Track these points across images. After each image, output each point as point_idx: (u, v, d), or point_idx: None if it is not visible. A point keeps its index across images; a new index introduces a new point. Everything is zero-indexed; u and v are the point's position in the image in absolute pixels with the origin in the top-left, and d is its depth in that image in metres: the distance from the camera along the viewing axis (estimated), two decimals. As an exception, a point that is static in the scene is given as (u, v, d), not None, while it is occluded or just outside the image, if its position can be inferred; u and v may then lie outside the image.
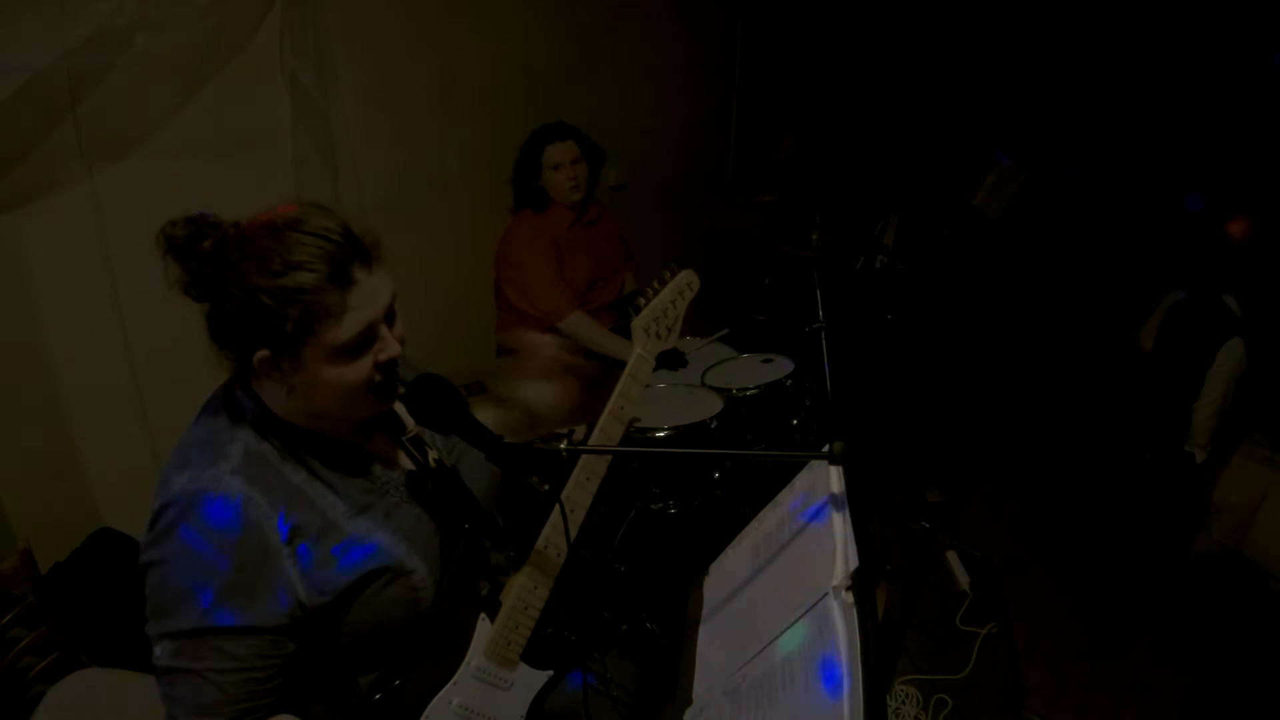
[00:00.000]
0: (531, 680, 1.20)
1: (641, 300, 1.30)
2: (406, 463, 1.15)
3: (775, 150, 3.82)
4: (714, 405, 2.11)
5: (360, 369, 0.98)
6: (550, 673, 1.22)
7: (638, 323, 1.28)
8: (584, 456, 1.19)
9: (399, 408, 1.13)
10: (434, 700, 1.08)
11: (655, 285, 1.32)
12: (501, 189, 2.74)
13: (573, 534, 1.16)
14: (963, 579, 1.85)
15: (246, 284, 0.91)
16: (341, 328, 0.94)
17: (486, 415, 1.38)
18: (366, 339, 0.98)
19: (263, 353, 0.94)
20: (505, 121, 2.81)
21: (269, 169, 2.19)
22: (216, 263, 0.94)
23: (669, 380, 2.40)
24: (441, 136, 2.67)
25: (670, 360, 2.52)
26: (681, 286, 1.35)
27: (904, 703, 1.48)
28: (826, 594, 0.90)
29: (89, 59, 1.70)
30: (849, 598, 0.87)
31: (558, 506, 1.14)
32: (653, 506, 2.04)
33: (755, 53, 4.28)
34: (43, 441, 1.91)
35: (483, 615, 1.14)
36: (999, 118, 3.94)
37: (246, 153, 2.12)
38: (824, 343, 1.90)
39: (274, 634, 0.95)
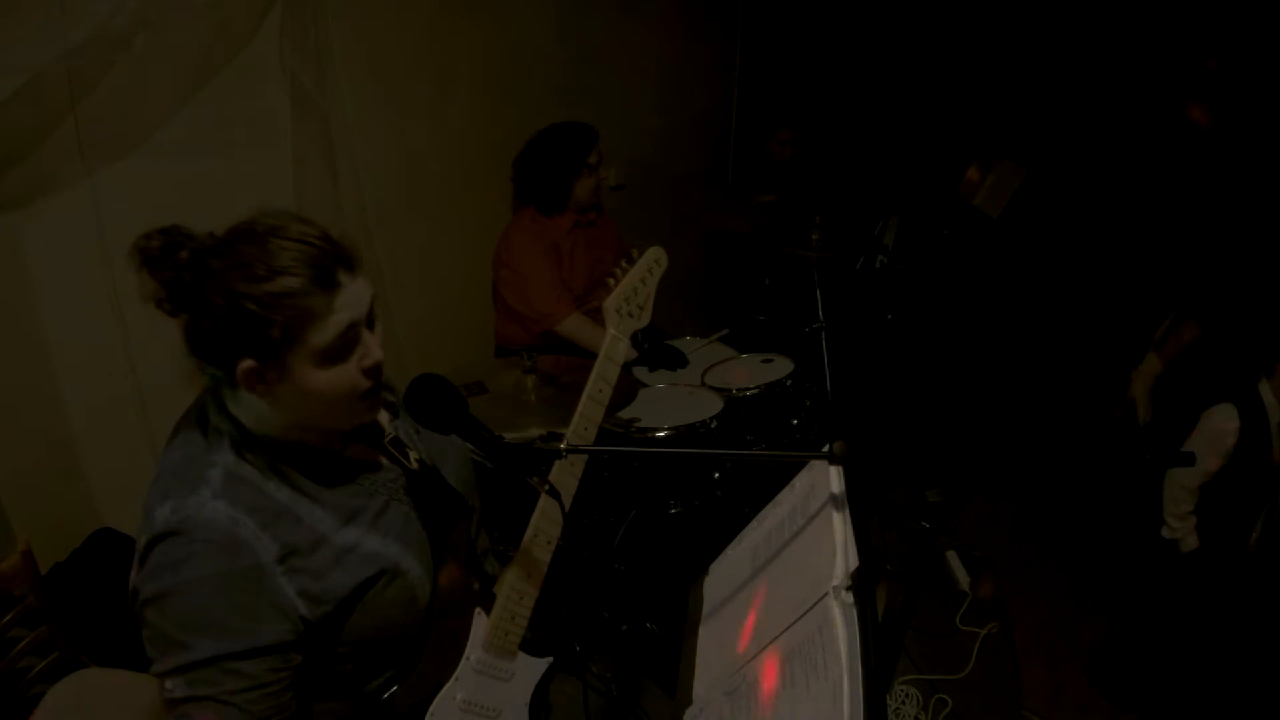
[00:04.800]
0: (532, 669, 1.21)
1: (611, 281, 1.30)
2: (388, 464, 1.15)
3: (766, 149, 3.82)
4: (714, 405, 2.11)
5: (347, 374, 0.98)
6: (550, 659, 1.23)
7: (609, 304, 1.28)
8: (566, 436, 1.18)
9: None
10: (438, 697, 1.08)
11: (624, 265, 1.33)
12: (502, 188, 2.74)
13: (562, 520, 1.16)
14: (963, 579, 1.84)
15: (230, 291, 0.90)
16: (327, 330, 0.94)
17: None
18: (349, 341, 0.97)
19: (247, 363, 0.93)
20: (505, 122, 2.81)
21: (269, 169, 2.18)
22: (195, 272, 0.92)
23: (669, 380, 2.40)
24: (441, 136, 2.67)
25: (670, 360, 2.52)
26: (650, 264, 1.34)
27: (904, 703, 1.48)
28: (826, 594, 0.90)
29: (89, 59, 1.69)
30: (849, 598, 0.87)
31: (548, 496, 1.13)
32: (653, 506, 2.04)
33: (755, 52, 4.28)
34: (43, 441, 1.91)
35: (478, 610, 1.15)
36: (999, 118, 3.94)
37: (246, 153, 2.12)
38: (824, 343, 1.89)
39: (282, 651, 0.95)
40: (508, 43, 2.83)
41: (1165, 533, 2.32)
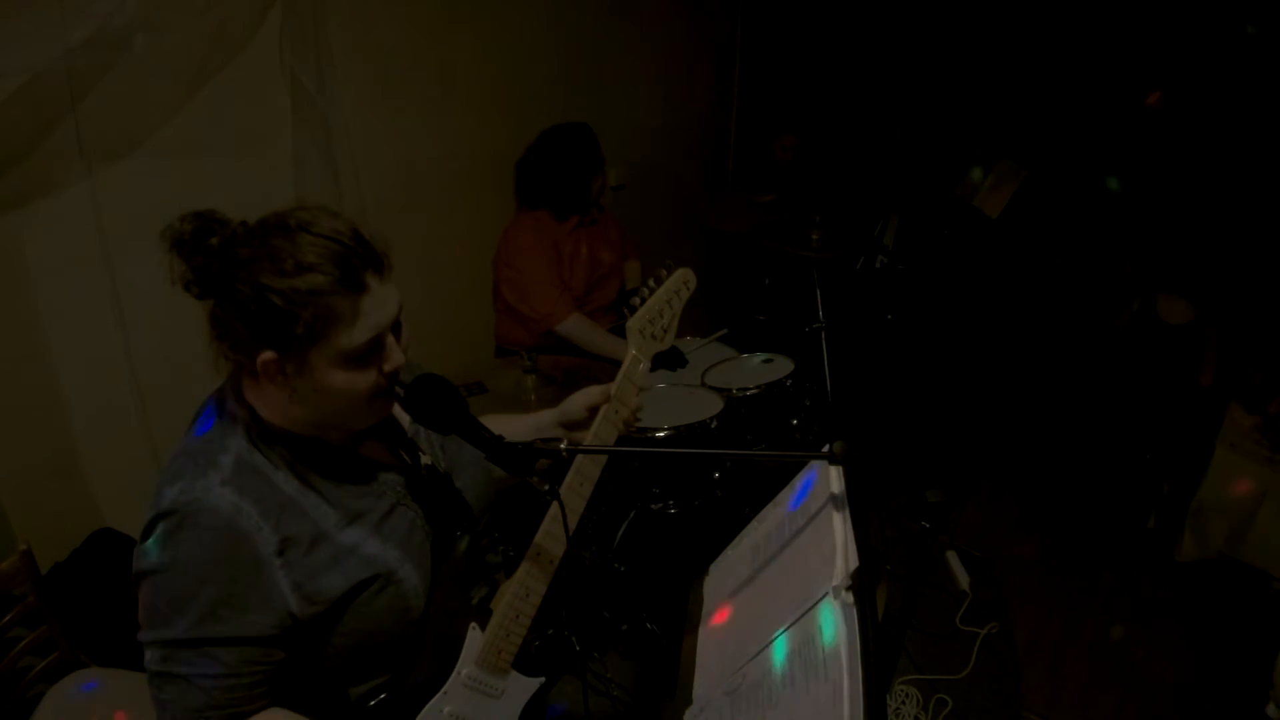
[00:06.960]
0: (523, 687, 1.19)
1: (636, 300, 1.25)
2: (400, 466, 1.14)
3: (773, 151, 3.83)
4: (714, 405, 2.11)
5: (366, 377, 0.98)
6: (542, 679, 1.22)
7: (633, 324, 1.23)
8: (577, 460, 1.16)
9: (396, 411, 1.13)
10: (425, 709, 1.07)
11: (651, 284, 1.28)
12: (502, 188, 2.74)
13: (565, 540, 1.14)
14: (963, 579, 1.85)
15: (256, 283, 0.90)
16: (354, 333, 0.94)
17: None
18: (375, 347, 0.97)
19: (268, 354, 0.93)
20: (505, 121, 2.81)
21: (269, 169, 2.18)
22: (224, 259, 0.93)
23: (669, 380, 2.40)
24: (441, 136, 2.67)
25: (670, 360, 2.52)
26: (678, 285, 1.29)
27: (904, 703, 1.48)
28: (826, 594, 0.90)
29: (89, 59, 1.69)
30: (849, 598, 0.87)
31: (553, 510, 1.12)
32: (653, 506, 2.04)
33: (755, 52, 4.28)
34: (43, 441, 1.91)
35: (473, 625, 1.13)
36: (999, 118, 3.94)
37: (246, 153, 2.12)
38: (824, 343, 1.89)
39: (264, 644, 0.95)
40: (508, 43, 2.82)
41: (1272, 712, 2.04)
